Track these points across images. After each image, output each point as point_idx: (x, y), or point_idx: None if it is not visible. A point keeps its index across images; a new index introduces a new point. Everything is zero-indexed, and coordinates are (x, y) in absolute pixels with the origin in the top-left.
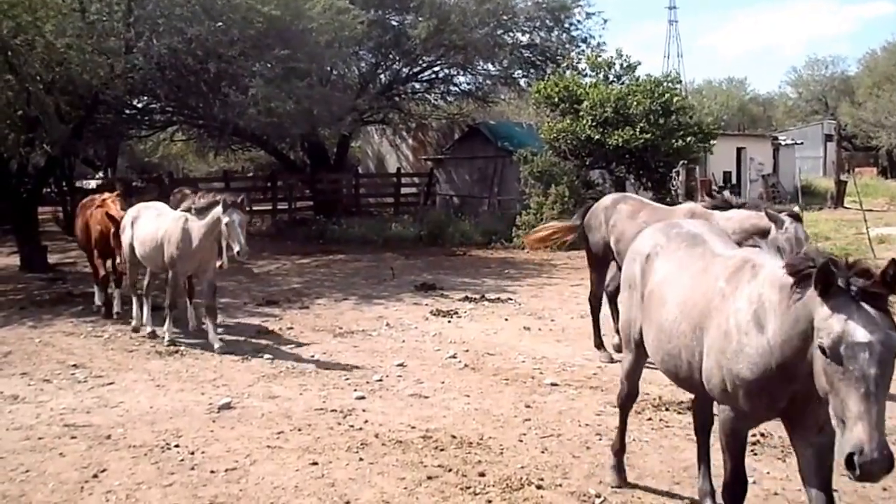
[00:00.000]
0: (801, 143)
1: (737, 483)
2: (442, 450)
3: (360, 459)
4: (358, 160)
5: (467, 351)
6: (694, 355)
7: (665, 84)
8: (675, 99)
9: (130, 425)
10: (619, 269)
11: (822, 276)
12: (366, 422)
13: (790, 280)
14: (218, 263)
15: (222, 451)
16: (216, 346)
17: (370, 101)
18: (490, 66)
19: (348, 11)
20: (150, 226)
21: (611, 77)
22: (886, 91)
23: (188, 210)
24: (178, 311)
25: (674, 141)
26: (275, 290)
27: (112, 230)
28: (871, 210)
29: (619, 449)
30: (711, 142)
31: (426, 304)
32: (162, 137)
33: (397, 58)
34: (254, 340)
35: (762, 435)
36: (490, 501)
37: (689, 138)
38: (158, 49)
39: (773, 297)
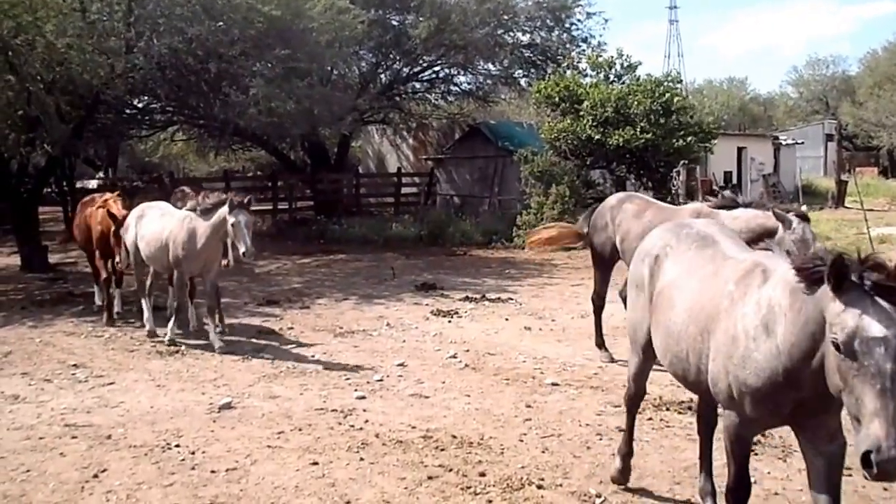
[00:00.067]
0: (802, 143)
1: (740, 487)
2: (442, 450)
3: (361, 459)
4: (358, 160)
5: (468, 351)
6: (702, 359)
7: (666, 84)
8: (675, 99)
9: (131, 425)
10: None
11: (835, 270)
12: (366, 422)
13: (800, 282)
14: (224, 262)
15: (223, 451)
16: (217, 345)
17: (371, 101)
18: (490, 66)
19: (349, 11)
20: (155, 225)
21: (611, 77)
22: (887, 91)
23: (193, 210)
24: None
25: (674, 141)
26: (275, 289)
27: (112, 229)
28: (871, 210)
29: (627, 453)
30: (712, 141)
31: (427, 304)
32: (162, 137)
33: (398, 57)
34: (254, 340)
35: (763, 435)
36: (490, 501)
37: (689, 138)
38: (159, 49)
39: (783, 301)
